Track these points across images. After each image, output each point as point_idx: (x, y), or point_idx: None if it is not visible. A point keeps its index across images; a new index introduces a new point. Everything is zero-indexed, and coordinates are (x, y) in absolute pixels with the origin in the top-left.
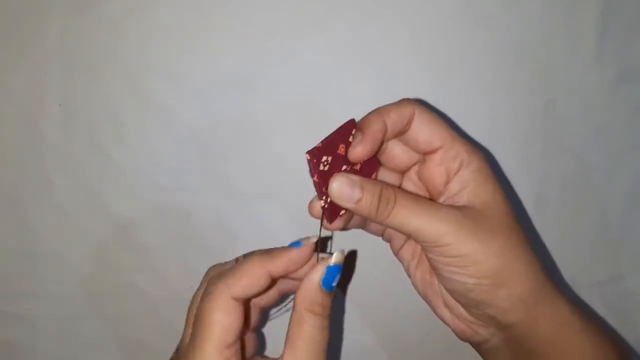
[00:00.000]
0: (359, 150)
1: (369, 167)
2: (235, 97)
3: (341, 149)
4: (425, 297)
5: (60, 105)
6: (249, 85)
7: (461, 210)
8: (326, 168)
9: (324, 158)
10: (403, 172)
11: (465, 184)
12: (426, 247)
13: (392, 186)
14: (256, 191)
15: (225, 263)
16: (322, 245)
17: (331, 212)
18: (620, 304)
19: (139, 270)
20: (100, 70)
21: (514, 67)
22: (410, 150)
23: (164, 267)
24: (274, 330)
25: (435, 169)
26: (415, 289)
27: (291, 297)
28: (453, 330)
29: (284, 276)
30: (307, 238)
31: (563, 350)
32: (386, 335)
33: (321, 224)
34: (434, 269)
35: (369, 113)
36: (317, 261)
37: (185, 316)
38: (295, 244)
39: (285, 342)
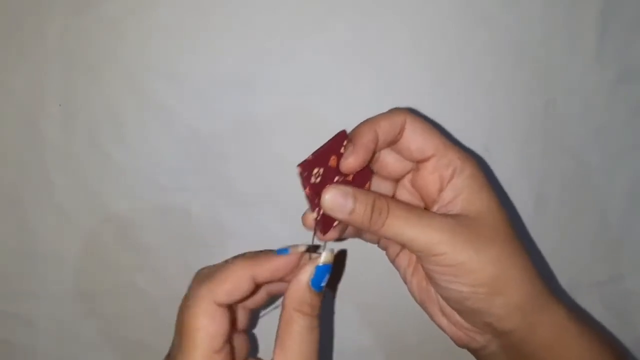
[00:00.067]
0: (350, 162)
1: (362, 178)
2: (235, 97)
3: (333, 161)
4: (422, 304)
5: (60, 105)
6: (249, 85)
7: (455, 218)
8: (318, 180)
9: (316, 170)
10: (397, 181)
11: (459, 191)
12: (421, 257)
13: (385, 196)
14: (256, 191)
15: (216, 265)
16: (314, 249)
17: (324, 223)
18: (620, 304)
19: (139, 270)
20: (100, 70)
21: (514, 67)
22: (403, 159)
23: (164, 267)
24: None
25: (429, 177)
26: (412, 296)
27: (281, 298)
28: (450, 337)
29: (270, 281)
30: (295, 246)
31: (560, 355)
32: (384, 335)
33: (314, 236)
34: (430, 278)
35: (360, 124)
36: (309, 259)
37: None
38: (283, 251)
39: (275, 343)
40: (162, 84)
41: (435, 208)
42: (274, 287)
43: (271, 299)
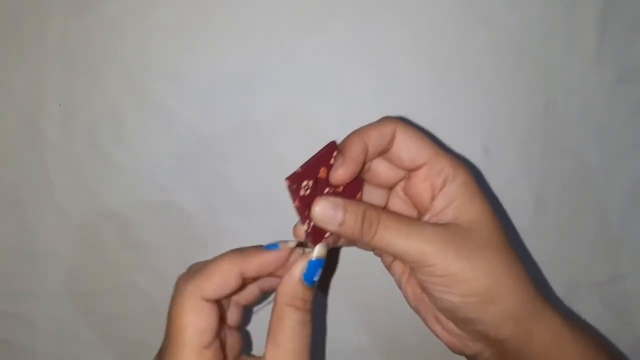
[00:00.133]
0: (340, 174)
1: (353, 188)
2: (235, 97)
3: (323, 172)
4: (416, 311)
5: (60, 105)
6: (249, 85)
7: (447, 227)
8: (307, 192)
9: (305, 183)
10: (390, 189)
11: (451, 199)
12: (413, 267)
13: (375, 207)
14: (256, 191)
15: (204, 261)
16: (304, 245)
17: (315, 235)
18: (620, 304)
19: (139, 270)
20: (100, 70)
21: (514, 67)
22: (395, 167)
23: (164, 267)
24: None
25: (421, 185)
26: (407, 302)
27: (274, 293)
28: (445, 344)
29: (259, 277)
30: (285, 242)
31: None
32: (383, 335)
33: (306, 246)
34: (423, 288)
35: (349, 135)
36: (302, 253)
37: None
38: (273, 246)
39: (267, 337)
40: (162, 84)
41: (427, 216)
42: (266, 283)
43: (264, 296)
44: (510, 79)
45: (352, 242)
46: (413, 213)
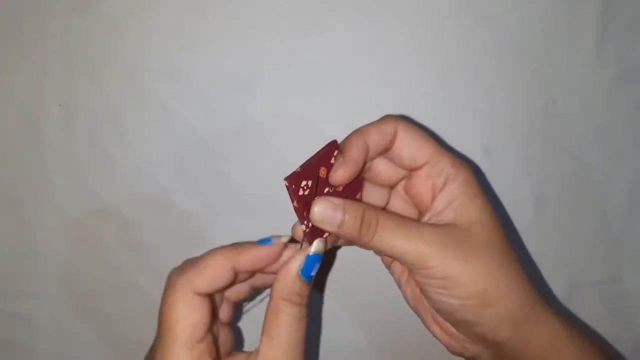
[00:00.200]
0: (340, 174)
1: (353, 188)
2: (235, 97)
3: (323, 172)
4: (415, 311)
5: (60, 105)
6: (249, 85)
7: (447, 229)
8: (306, 192)
9: (304, 182)
10: (391, 187)
11: (452, 200)
12: (412, 269)
13: (375, 208)
14: (256, 191)
15: (197, 257)
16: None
17: (314, 235)
18: (619, 304)
19: (139, 270)
20: (100, 70)
21: (514, 67)
22: (396, 167)
23: (164, 267)
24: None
25: (422, 185)
26: (406, 302)
27: (266, 291)
28: (444, 345)
29: (252, 272)
30: (278, 236)
31: None
32: (382, 335)
33: (301, 246)
34: (421, 290)
35: (350, 134)
36: (300, 248)
37: None
38: (265, 241)
39: (262, 331)
40: (162, 84)
41: (427, 216)
42: (258, 281)
43: (254, 292)
44: (510, 79)
45: (351, 242)
46: (414, 212)
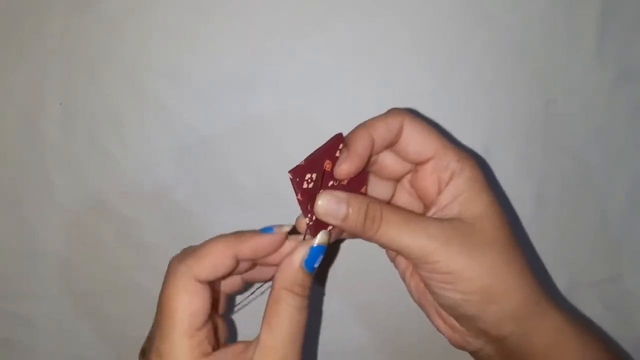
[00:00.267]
0: (344, 168)
1: (357, 182)
2: (235, 97)
3: (328, 165)
4: (419, 305)
5: (60, 105)
6: (249, 85)
7: (451, 223)
8: (310, 185)
9: (308, 176)
10: (397, 181)
11: (457, 194)
12: (416, 263)
13: (379, 202)
14: (256, 191)
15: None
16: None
17: (317, 228)
18: (619, 303)
19: (140, 269)
20: (100, 70)
21: (514, 67)
22: (402, 160)
23: (164, 267)
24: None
25: (428, 179)
26: (410, 295)
27: (257, 285)
28: (447, 339)
29: (253, 260)
30: (280, 226)
31: (557, 358)
32: (384, 333)
33: (304, 238)
34: (425, 284)
35: (356, 127)
36: (304, 239)
37: None
38: (267, 230)
39: (263, 321)
40: (162, 84)
41: (432, 210)
42: (250, 275)
43: (246, 286)
44: (510, 79)
45: (355, 236)
46: (419, 206)
